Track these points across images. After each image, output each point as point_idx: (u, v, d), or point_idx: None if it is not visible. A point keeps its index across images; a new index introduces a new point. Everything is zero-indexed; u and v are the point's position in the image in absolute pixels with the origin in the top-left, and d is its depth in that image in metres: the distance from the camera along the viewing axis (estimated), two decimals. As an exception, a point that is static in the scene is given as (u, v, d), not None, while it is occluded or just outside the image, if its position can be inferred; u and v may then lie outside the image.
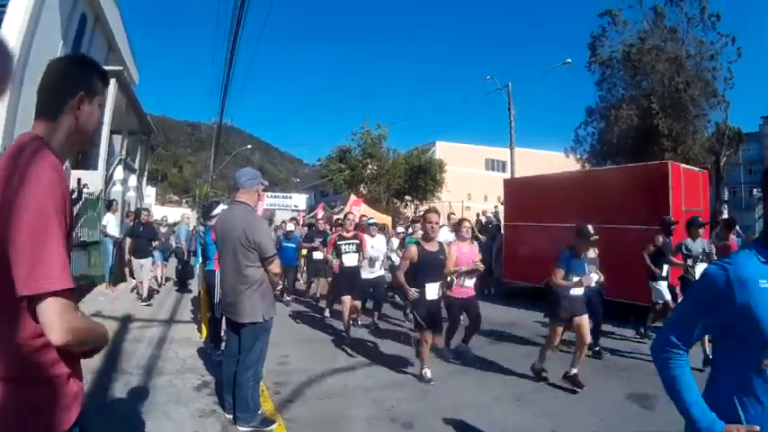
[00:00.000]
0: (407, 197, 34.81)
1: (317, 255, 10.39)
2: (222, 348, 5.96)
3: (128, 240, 10.95)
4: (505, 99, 24.71)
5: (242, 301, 4.04)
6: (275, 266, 4.16)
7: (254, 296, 4.05)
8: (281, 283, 8.81)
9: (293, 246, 11.32)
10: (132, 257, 10.52)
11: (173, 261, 13.54)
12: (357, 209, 19.52)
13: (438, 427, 4.30)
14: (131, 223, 12.43)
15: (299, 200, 37.12)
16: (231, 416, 4.18)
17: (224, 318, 4.68)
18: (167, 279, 13.07)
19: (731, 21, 45.37)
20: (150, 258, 10.54)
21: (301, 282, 13.14)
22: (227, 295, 4.19)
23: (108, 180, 15.69)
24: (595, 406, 4.85)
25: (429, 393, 5.21)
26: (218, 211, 6.35)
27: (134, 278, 12.17)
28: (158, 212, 18.57)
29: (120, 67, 15.52)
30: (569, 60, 24.69)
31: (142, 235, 10.50)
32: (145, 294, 10.02)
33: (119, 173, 16.90)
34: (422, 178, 33.60)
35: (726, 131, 23.91)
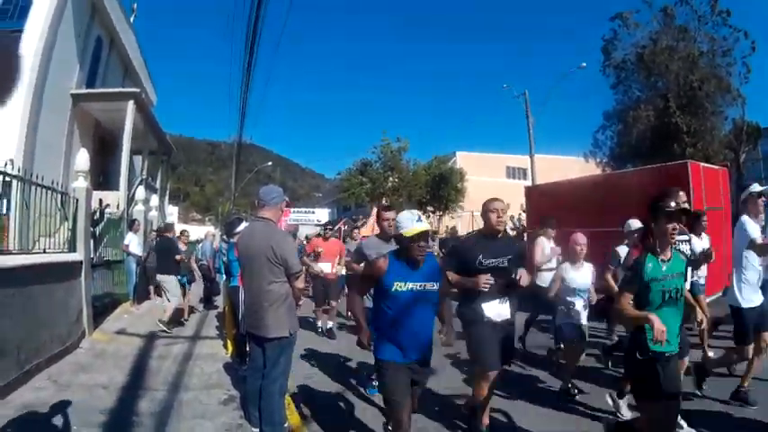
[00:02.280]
0: (429, 208, 34.66)
1: None
2: (248, 364, 6.11)
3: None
4: (523, 107, 24.85)
5: (267, 316, 4.08)
6: (300, 282, 4.23)
7: (280, 311, 4.10)
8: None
9: None
10: (156, 275, 9.92)
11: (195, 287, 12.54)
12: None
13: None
14: (153, 241, 12.63)
15: (322, 214, 37.34)
16: (257, 429, 4.21)
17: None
18: (191, 310, 11.13)
19: (744, 15, 44.77)
20: (174, 277, 9.58)
21: None
22: (252, 311, 4.24)
23: (130, 200, 15.97)
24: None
25: (456, 406, 5.11)
26: (240, 228, 6.39)
27: (159, 296, 12.32)
28: (180, 230, 18.80)
29: (138, 90, 15.87)
30: (584, 65, 24.71)
31: (161, 248, 9.93)
32: (166, 318, 8.94)
33: (140, 193, 17.22)
34: (443, 188, 33.56)
35: (743, 127, 23.62)
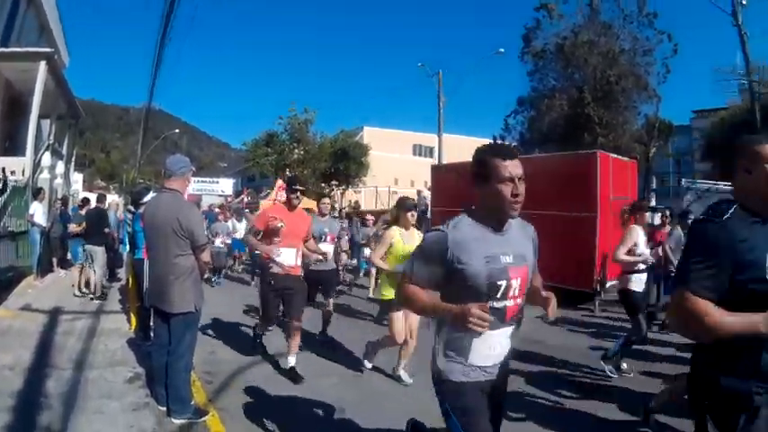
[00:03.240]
0: (334, 182, 34.87)
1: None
2: (152, 339, 5.95)
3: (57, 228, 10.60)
4: (436, 86, 25.39)
5: (172, 290, 4.00)
6: (206, 255, 4.17)
7: (185, 285, 4.02)
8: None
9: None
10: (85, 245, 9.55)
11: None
12: (282, 193, 19.81)
13: (369, 413, 4.39)
14: (58, 211, 12.06)
15: (226, 185, 36.71)
16: (165, 408, 4.15)
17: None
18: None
19: (671, 19, 47.26)
20: (102, 248, 9.53)
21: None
22: (156, 285, 4.13)
23: (35, 167, 15.02)
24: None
25: (359, 380, 5.35)
26: (147, 198, 6.19)
27: (62, 269, 11.77)
28: (82, 197, 17.93)
29: (51, 50, 14.79)
30: (502, 50, 25.40)
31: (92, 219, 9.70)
32: (92, 289, 9.26)
33: (46, 159, 16.21)
34: (344, 163, 33.70)
35: (656, 123, 24.93)
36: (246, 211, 15.54)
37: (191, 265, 4.06)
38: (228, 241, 12.57)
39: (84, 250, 9.53)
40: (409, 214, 5.16)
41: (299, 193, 5.42)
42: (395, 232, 5.17)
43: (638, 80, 23.34)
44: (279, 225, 5.26)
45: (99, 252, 9.39)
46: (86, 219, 9.97)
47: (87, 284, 9.54)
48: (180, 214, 3.97)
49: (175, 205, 4.05)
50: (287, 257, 5.31)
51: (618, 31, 23.79)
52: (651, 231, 8.92)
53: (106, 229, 9.83)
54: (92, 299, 9.15)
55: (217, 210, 14.30)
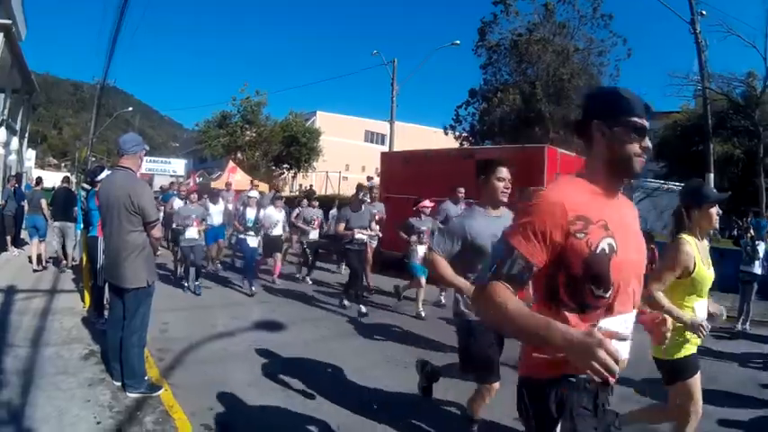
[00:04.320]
0: (285, 165, 34.93)
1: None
2: (105, 316, 6.05)
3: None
4: (390, 74, 25.69)
5: (125, 266, 4.22)
6: (157, 231, 4.41)
7: (138, 261, 4.25)
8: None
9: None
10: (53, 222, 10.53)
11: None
12: (233, 175, 19.99)
13: (317, 388, 4.73)
14: (12, 188, 11.92)
15: (178, 165, 36.20)
16: (120, 383, 4.38)
17: (107, 285, 4.83)
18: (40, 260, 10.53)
19: (630, 24, 48.45)
20: (74, 224, 9.88)
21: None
22: (110, 261, 4.35)
23: (-10, 143, 14.71)
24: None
25: (307, 357, 5.68)
26: (103, 175, 6.31)
27: (15, 247, 11.67)
28: (36, 176, 17.55)
29: (9, 21, 14.38)
30: (458, 42, 25.85)
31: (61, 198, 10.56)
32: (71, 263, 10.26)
33: (2, 135, 15.85)
34: (296, 147, 33.78)
35: (607, 122, 25.63)
36: (224, 191, 13.54)
37: (143, 241, 4.29)
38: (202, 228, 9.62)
39: (43, 228, 10.41)
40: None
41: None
42: None
43: (591, 79, 23.93)
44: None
45: (72, 228, 10.07)
46: (54, 198, 10.57)
47: (39, 260, 10.22)
48: (131, 191, 4.18)
49: (127, 182, 4.26)
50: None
51: (573, 31, 24.37)
52: None
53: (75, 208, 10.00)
54: (62, 271, 9.98)
55: (182, 189, 11.59)
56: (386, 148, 27.98)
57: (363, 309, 7.86)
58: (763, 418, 4.61)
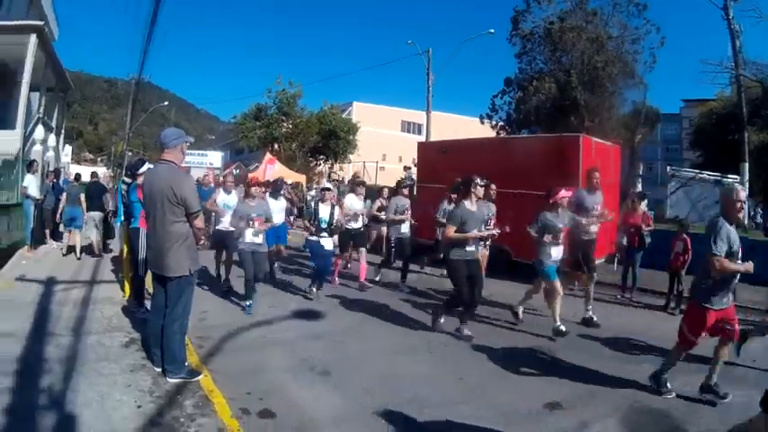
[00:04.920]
0: (321, 156, 34.99)
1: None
2: (145, 306, 6.25)
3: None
4: (425, 64, 25.59)
5: (169, 255, 4.27)
6: (199, 221, 4.43)
7: (180, 250, 4.29)
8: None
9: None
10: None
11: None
12: (271, 167, 19.98)
13: (352, 374, 4.77)
14: (51, 183, 12.19)
15: (215, 157, 36.64)
16: (160, 369, 4.42)
17: (147, 275, 4.83)
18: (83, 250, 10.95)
19: (663, 11, 47.60)
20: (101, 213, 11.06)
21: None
22: (154, 251, 4.40)
23: (26, 140, 15.04)
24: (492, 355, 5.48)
25: (342, 344, 5.70)
26: (143, 169, 6.40)
27: (54, 240, 11.94)
28: (75, 171, 17.96)
29: (41, 22, 14.70)
30: (492, 31, 25.52)
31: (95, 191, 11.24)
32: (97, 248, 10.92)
33: (38, 132, 16.20)
34: (334, 141, 33.75)
35: (642, 110, 25.21)
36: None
37: (186, 231, 4.33)
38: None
39: (79, 218, 10.87)
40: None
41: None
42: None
43: (626, 67, 23.56)
44: None
45: (98, 217, 10.98)
46: (87, 190, 11.12)
47: (75, 249, 10.69)
48: (174, 183, 4.23)
49: (169, 175, 4.30)
50: None
51: (606, 18, 23.95)
52: (625, 215, 9.40)
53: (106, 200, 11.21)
54: (94, 257, 10.62)
55: (227, 182, 9.49)
56: (422, 138, 27.95)
57: (467, 331, 6.20)
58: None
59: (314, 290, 7.90)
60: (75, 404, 3.76)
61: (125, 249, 7.15)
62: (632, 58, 23.95)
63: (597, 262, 10.09)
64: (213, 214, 8.73)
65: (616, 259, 10.33)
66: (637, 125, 25.22)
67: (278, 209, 8.75)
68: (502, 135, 25.69)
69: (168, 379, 4.30)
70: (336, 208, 8.04)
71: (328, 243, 7.86)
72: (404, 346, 5.78)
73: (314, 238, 7.81)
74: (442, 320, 6.47)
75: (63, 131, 23.84)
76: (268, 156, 23.12)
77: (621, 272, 9.29)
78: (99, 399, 3.86)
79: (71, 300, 6.99)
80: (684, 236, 8.16)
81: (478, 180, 6.23)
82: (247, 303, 6.98)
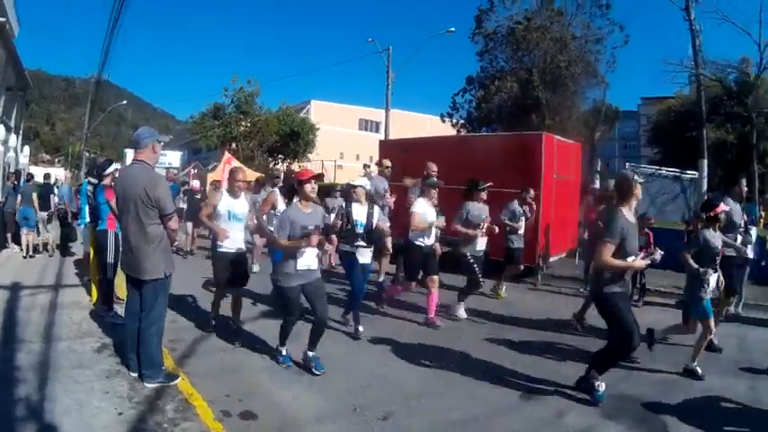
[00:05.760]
0: (280, 156, 35.27)
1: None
2: (114, 310, 6.23)
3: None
4: (385, 62, 25.78)
5: (144, 258, 4.26)
6: (174, 223, 4.43)
7: (156, 253, 4.30)
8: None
9: None
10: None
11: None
12: (229, 167, 19.92)
13: (330, 373, 4.81)
14: (12, 185, 11.96)
15: (173, 157, 36.16)
16: (136, 374, 4.41)
17: (116, 278, 4.79)
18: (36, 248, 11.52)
19: (626, 10, 48.90)
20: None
21: None
22: (129, 253, 4.38)
23: (-16, 141, 14.65)
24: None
25: (321, 345, 5.64)
26: (110, 170, 6.37)
27: (16, 244, 11.68)
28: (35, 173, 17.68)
29: (3, 19, 14.27)
30: (452, 29, 25.82)
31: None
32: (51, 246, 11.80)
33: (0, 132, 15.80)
34: (294, 141, 34.12)
35: (602, 108, 25.89)
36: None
37: (160, 233, 4.33)
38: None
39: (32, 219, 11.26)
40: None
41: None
42: None
43: (588, 66, 24.10)
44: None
45: (45, 216, 11.86)
46: (39, 191, 11.58)
47: (29, 248, 11.12)
48: (147, 184, 4.21)
49: (142, 176, 4.28)
50: None
51: (570, 18, 24.48)
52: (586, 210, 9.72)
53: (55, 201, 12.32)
54: (50, 256, 11.36)
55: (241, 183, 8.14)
56: (381, 136, 28.16)
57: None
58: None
59: (358, 326, 6.19)
60: (53, 413, 3.74)
61: (91, 252, 7.02)
62: (595, 57, 24.54)
63: (558, 257, 10.47)
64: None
65: (578, 253, 10.64)
66: (596, 123, 25.90)
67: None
68: (462, 133, 26.07)
69: (146, 384, 4.28)
70: (376, 208, 6.42)
71: (365, 255, 6.26)
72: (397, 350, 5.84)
73: (347, 247, 6.19)
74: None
75: (21, 132, 23.20)
76: (227, 155, 23.08)
77: (583, 266, 9.55)
78: (77, 407, 3.85)
79: (38, 305, 6.87)
80: (647, 230, 8.48)
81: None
82: (313, 354, 5.02)
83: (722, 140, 28.85)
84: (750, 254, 7.67)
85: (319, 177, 5.21)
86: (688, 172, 19.66)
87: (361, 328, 6.13)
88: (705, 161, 20.39)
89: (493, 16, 25.64)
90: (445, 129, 27.91)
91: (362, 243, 6.16)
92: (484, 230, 6.95)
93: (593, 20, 24.36)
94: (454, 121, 28.34)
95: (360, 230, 6.13)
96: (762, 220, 15.90)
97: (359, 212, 6.19)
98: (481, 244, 7.14)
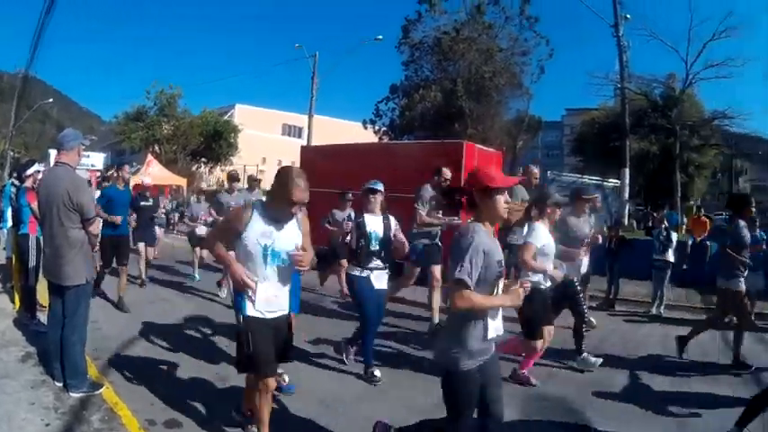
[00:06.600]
0: (203, 159, 35.42)
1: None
2: (38, 318, 6.09)
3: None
4: (311, 68, 26.11)
5: (66, 263, 4.25)
6: (95, 228, 4.46)
7: (78, 258, 4.29)
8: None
9: None
10: None
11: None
12: (150, 169, 19.92)
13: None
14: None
15: (97, 159, 35.16)
16: (61, 383, 4.40)
17: (38, 285, 4.84)
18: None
19: (553, 23, 51.21)
20: None
21: None
22: (51, 258, 4.38)
23: None
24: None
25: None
26: (32, 170, 6.26)
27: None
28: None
29: None
30: (380, 37, 26.46)
31: None
32: None
33: None
34: (217, 142, 34.40)
35: (525, 119, 27.02)
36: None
37: (82, 237, 4.34)
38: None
39: None
40: None
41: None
42: None
43: (513, 78, 25.16)
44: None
45: None
46: None
47: None
48: (70, 187, 4.22)
49: (64, 179, 4.29)
50: None
51: (497, 31, 25.38)
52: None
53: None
54: None
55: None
56: (303, 142, 28.50)
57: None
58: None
59: (374, 373, 4.96)
60: (-21, 425, 3.74)
61: (14, 257, 6.85)
62: (520, 69, 25.63)
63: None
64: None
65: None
66: (519, 132, 26.97)
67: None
68: (384, 140, 26.63)
69: (71, 393, 4.29)
70: (392, 218, 5.20)
71: (381, 279, 5.09)
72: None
73: (358, 271, 5.03)
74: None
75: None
76: (149, 157, 22.83)
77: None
78: (6, 418, 3.87)
79: (-43, 313, 6.61)
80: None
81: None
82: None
83: (645, 151, 30.61)
84: (672, 258, 8.67)
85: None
86: (610, 180, 20.82)
87: (377, 373, 4.95)
88: (627, 170, 21.79)
89: (420, 27, 26.31)
90: (368, 136, 28.29)
91: (379, 263, 5.04)
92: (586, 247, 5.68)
93: (521, 32, 25.39)
94: (377, 128, 28.83)
95: (375, 247, 4.99)
96: (684, 227, 17.31)
97: (374, 224, 5.05)
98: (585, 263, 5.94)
